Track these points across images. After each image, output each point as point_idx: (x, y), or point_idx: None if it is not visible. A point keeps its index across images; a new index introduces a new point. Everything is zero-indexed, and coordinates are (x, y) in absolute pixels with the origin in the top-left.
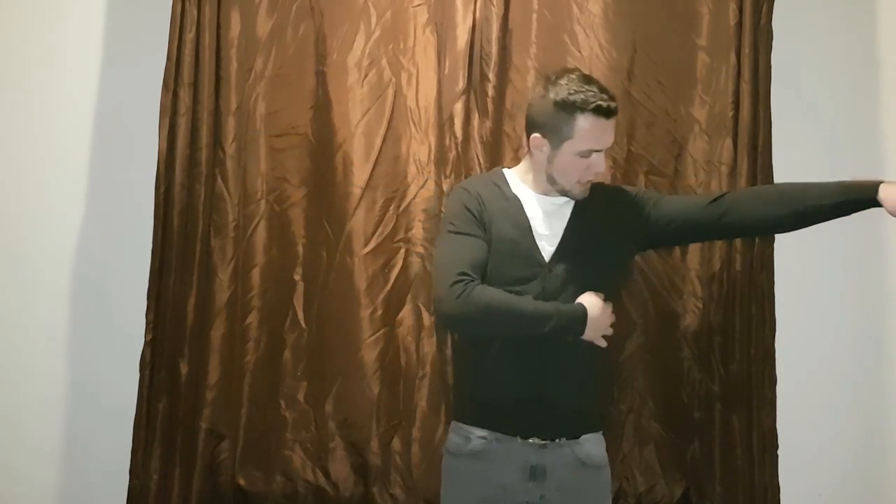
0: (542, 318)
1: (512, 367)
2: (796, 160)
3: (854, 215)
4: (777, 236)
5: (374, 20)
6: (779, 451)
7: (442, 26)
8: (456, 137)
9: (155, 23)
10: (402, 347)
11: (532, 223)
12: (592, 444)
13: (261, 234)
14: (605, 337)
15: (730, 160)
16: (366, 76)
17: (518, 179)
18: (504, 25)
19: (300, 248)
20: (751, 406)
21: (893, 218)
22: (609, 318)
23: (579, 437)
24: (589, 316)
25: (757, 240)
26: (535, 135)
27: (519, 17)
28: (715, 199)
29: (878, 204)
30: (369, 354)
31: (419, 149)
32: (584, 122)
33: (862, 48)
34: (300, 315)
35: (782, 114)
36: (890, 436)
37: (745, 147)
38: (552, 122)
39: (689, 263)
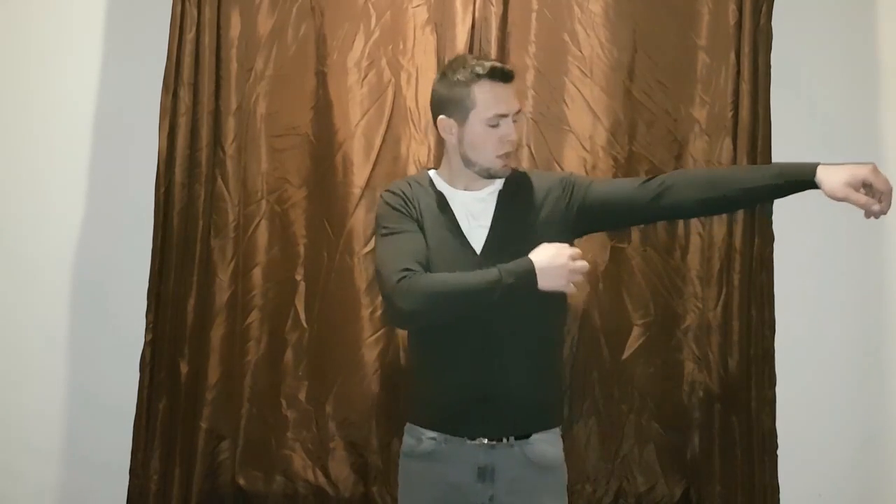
0: (490, 284)
1: (456, 367)
2: (796, 160)
3: (854, 215)
4: (777, 236)
5: (373, 20)
6: (778, 451)
7: (441, 27)
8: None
9: (155, 23)
10: (402, 347)
11: (458, 218)
12: (546, 444)
13: (261, 234)
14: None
15: (730, 160)
16: (366, 76)
17: (440, 179)
18: (503, 25)
19: (301, 248)
20: (750, 406)
21: (885, 214)
22: (569, 260)
23: (530, 436)
24: (538, 266)
25: (757, 239)
26: (441, 116)
27: (518, 17)
28: (647, 180)
29: (815, 186)
30: (370, 354)
31: (419, 149)
32: (482, 88)
33: (862, 48)
34: (301, 315)
35: (782, 114)
36: (890, 436)
37: (744, 147)
38: (453, 99)
39: (689, 263)
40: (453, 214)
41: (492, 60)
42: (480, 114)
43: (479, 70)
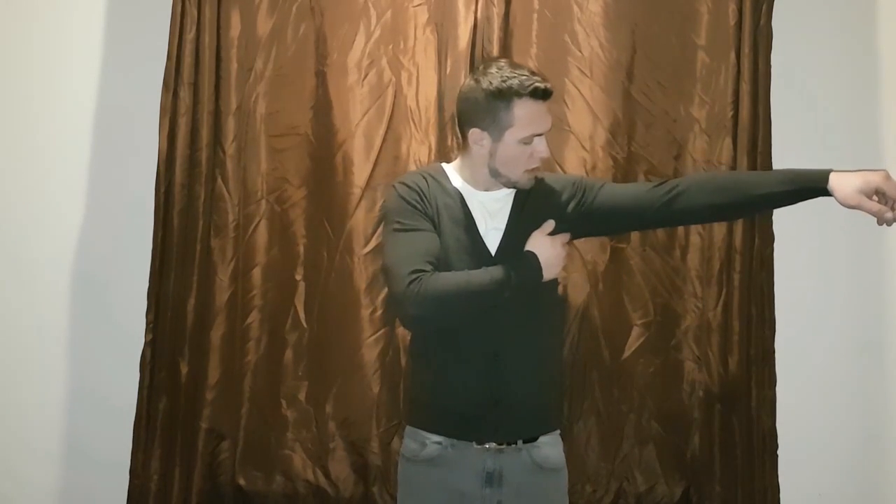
0: (500, 282)
1: (465, 371)
2: (796, 160)
3: (854, 216)
4: (777, 235)
5: (374, 20)
6: (779, 451)
7: (443, 27)
8: (459, 138)
9: (155, 23)
10: (402, 347)
11: (476, 218)
12: (550, 447)
13: (261, 234)
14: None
15: (729, 160)
16: (366, 76)
17: (458, 176)
18: (505, 25)
19: (300, 248)
20: (750, 406)
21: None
22: (558, 248)
23: (537, 438)
24: (541, 258)
25: (757, 239)
26: (474, 129)
27: (520, 16)
28: (658, 185)
29: (827, 193)
30: (369, 354)
31: (419, 149)
32: (522, 107)
33: (862, 48)
34: (301, 315)
35: (782, 114)
36: (890, 436)
37: (744, 147)
38: (490, 113)
39: (689, 263)
40: (471, 215)
41: (527, 72)
42: (517, 133)
43: (521, 89)
